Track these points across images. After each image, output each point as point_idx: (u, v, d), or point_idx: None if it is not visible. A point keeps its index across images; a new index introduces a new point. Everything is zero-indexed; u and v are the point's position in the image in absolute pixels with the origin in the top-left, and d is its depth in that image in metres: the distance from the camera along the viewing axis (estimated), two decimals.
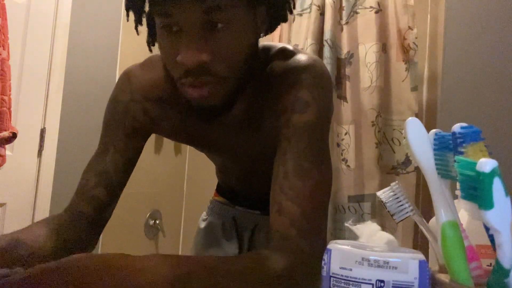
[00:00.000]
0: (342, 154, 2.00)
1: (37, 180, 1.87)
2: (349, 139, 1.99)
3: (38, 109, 1.87)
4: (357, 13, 2.04)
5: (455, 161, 0.41)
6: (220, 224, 1.03)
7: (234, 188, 1.02)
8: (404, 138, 0.47)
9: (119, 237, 2.17)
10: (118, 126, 0.76)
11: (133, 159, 0.77)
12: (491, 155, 0.42)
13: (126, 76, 0.78)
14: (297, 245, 0.57)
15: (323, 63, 0.71)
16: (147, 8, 0.62)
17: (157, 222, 2.52)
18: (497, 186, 0.38)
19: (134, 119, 0.76)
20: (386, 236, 0.49)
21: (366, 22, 2.01)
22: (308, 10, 2.10)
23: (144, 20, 0.67)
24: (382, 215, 1.89)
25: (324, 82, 0.68)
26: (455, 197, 0.55)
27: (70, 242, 0.66)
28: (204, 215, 1.09)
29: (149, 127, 0.77)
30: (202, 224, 1.07)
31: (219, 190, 1.08)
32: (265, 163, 0.74)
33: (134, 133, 0.76)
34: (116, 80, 0.79)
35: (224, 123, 0.73)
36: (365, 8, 2.02)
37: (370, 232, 0.50)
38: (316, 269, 0.62)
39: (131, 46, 2.27)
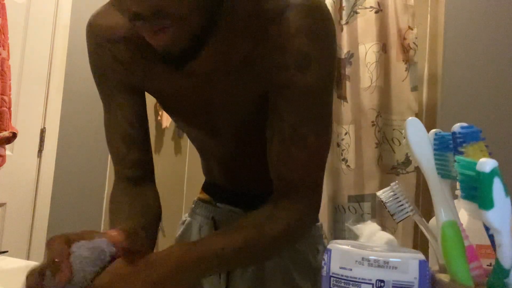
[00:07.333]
0: (342, 154, 2.00)
1: (37, 180, 1.87)
2: (349, 139, 1.99)
3: (38, 109, 1.87)
4: (357, 13, 2.04)
5: (455, 161, 0.41)
6: (197, 228, 0.94)
7: (217, 179, 0.93)
8: (404, 138, 0.47)
9: None
10: (103, 81, 0.71)
11: (140, 112, 0.72)
12: (491, 155, 0.42)
13: (88, 23, 0.73)
14: (296, 203, 0.61)
15: (326, 5, 0.63)
16: None
17: None
18: (497, 186, 0.38)
19: (108, 67, 0.69)
20: (386, 236, 0.49)
21: (366, 22, 2.01)
22: None
23: None
24: (382, 215, 1.89)
25: (329, 30, 0.60)
26: (455, 197, 0.55)
27: (153, 208, 0.69)
28: (184, 217, 1.00)
29: (126, 77, 0.70)
30: (180, 229, 0.98)
31: (204, 185, 0.99)
32: (249, 141, 0.71)
33: (120, 86, 0.71)
34: None
35: (195, 70, 0.63)
36: (365, 8, 2.02)
37: (370, 232, 0.50)
38: (311, 223, 0.75)
39: None
